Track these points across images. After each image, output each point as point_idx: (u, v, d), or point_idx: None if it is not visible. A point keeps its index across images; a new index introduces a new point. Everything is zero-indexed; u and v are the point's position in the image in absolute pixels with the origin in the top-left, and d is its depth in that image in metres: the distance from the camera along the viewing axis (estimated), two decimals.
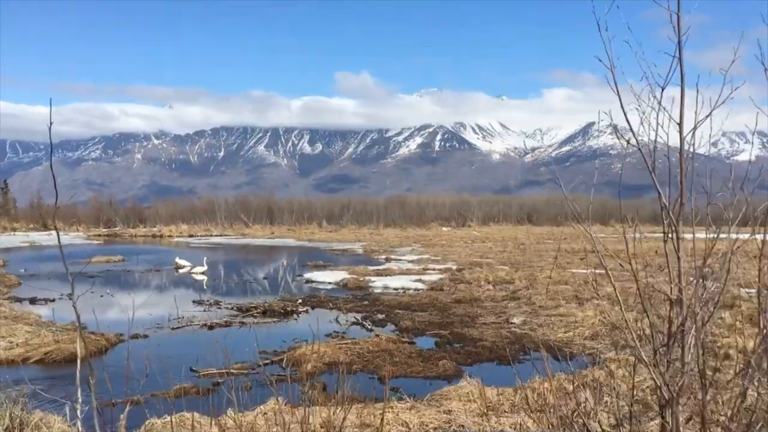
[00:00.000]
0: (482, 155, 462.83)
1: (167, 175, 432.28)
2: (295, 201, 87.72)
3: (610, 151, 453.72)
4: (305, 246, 43.50)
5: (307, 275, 22.76)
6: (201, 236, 57.69)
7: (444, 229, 74.65)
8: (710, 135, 2.89)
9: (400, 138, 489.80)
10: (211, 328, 13.37)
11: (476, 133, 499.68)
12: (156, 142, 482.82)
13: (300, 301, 16.48)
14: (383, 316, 14.57)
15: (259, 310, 15.06)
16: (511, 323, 13.15)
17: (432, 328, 12.89)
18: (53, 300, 17.11)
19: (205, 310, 15.53)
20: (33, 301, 16.81)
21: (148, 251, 38.51)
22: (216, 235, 59.11)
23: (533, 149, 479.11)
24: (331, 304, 16.08)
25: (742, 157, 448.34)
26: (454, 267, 24.40)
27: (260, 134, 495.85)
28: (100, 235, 58.09)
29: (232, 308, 15.75)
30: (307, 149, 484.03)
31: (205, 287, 21.90)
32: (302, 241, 48.80)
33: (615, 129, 3.27)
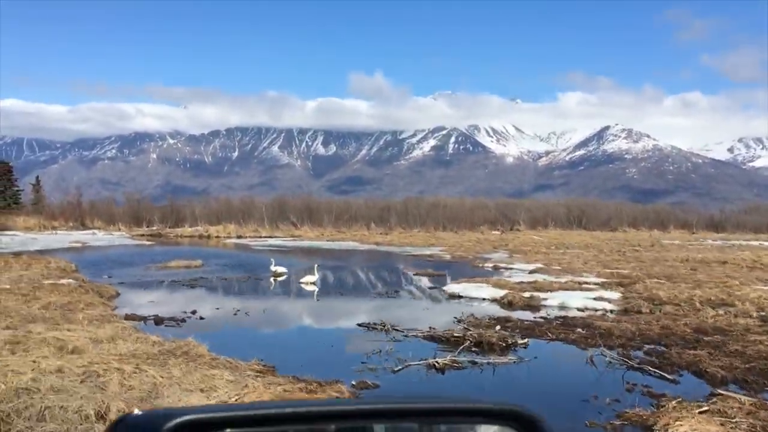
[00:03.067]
0: (496, 158, 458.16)
1: (181, 175, 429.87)
2: (333, 203, 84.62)
3: (625, 156, 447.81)
4: (379, 250, 39.90)
5: (448, 289, 19.20)
6: (251, 237, 54.20)
7: (494, 232, 71.09)
8: None
9: (414, 140, 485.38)
10: (442, 371, 9.86)
11: (490, 135, 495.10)
12: (171, 141, 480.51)
13: (498, 327, 12.97)
14: (641, 353, 11.02)
15: (469, 342, 11.52)
16: None
17: (759, 379, 9.30)
18: (183, 320, 13.66)
19: (391, 339, 12.02)
20: (159, 321, 13.35)
21: (218, 255, 35.10)
22: (267, 237, 55.62)
23: (547, 153, 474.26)
24: (549, 334, 12.51)
25: (759, 163, 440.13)
26: (611, 281, 20.81)
27: (274, 135, 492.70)
28: (143, 235, 54.78)
29: (422, 336, 12.24)
30: (321, 150, 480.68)
31: (320, 299, 18.44)
32: (368, 244, 45.19)
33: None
